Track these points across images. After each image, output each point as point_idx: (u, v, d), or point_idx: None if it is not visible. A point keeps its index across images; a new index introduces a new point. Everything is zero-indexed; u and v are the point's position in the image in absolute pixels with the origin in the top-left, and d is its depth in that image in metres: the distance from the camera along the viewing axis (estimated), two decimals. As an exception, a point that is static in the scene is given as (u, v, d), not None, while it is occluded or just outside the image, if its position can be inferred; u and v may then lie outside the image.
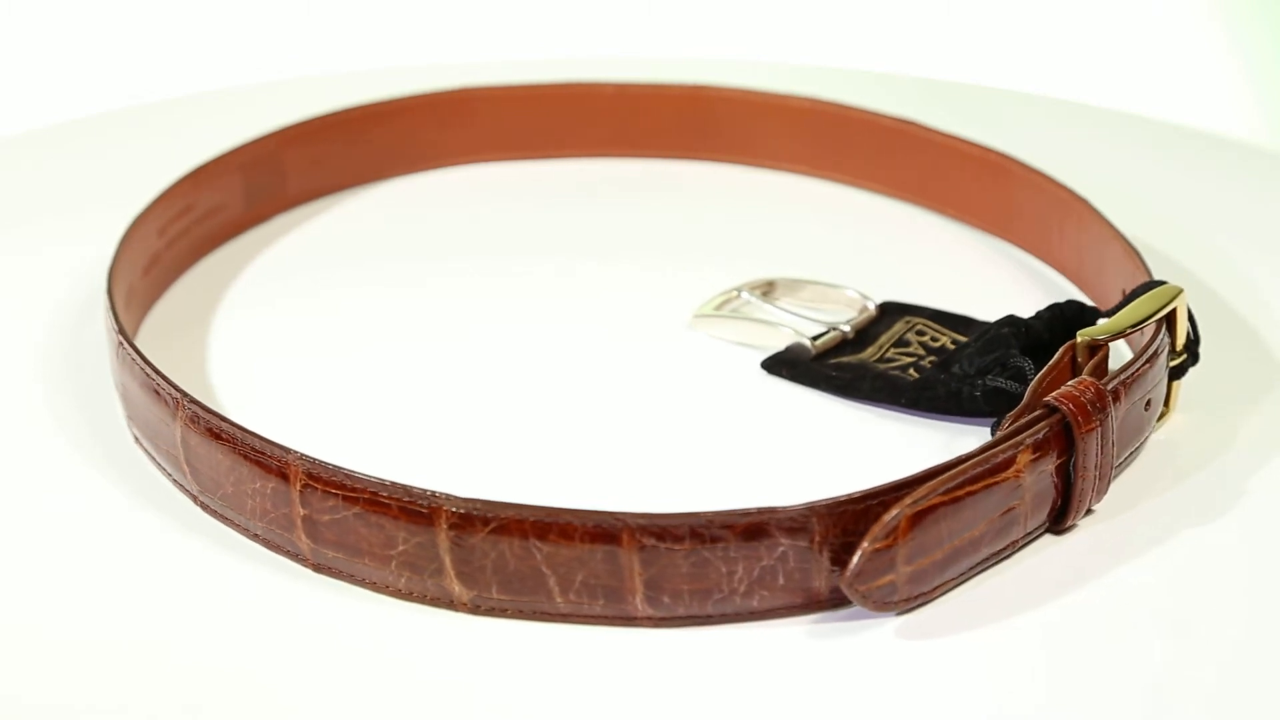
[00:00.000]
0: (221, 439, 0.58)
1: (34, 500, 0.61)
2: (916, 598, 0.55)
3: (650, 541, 0.54)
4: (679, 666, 0.54)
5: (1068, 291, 0.74)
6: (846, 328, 0.69)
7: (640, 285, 0.75)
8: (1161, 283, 0.64)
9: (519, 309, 0.73)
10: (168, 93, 0.99)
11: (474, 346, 0.70)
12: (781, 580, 0.55)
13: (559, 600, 0.55)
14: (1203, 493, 0.61)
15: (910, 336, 0.69)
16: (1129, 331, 0.62)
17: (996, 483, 0.56)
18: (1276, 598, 0.57)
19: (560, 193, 0.83)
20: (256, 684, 0.54)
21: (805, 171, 0.84)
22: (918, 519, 0.54)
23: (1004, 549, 0.57)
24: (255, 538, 0.59)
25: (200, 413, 0.59)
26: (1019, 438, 0.57)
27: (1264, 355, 0.69)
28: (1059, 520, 0.59)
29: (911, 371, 0.66)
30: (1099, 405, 0.58)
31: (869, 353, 0.68)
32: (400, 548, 0.56)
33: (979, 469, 0.56)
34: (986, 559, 0.57)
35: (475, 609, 0.56)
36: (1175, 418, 0.64)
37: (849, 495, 0.54)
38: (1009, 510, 0.57)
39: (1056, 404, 0.58)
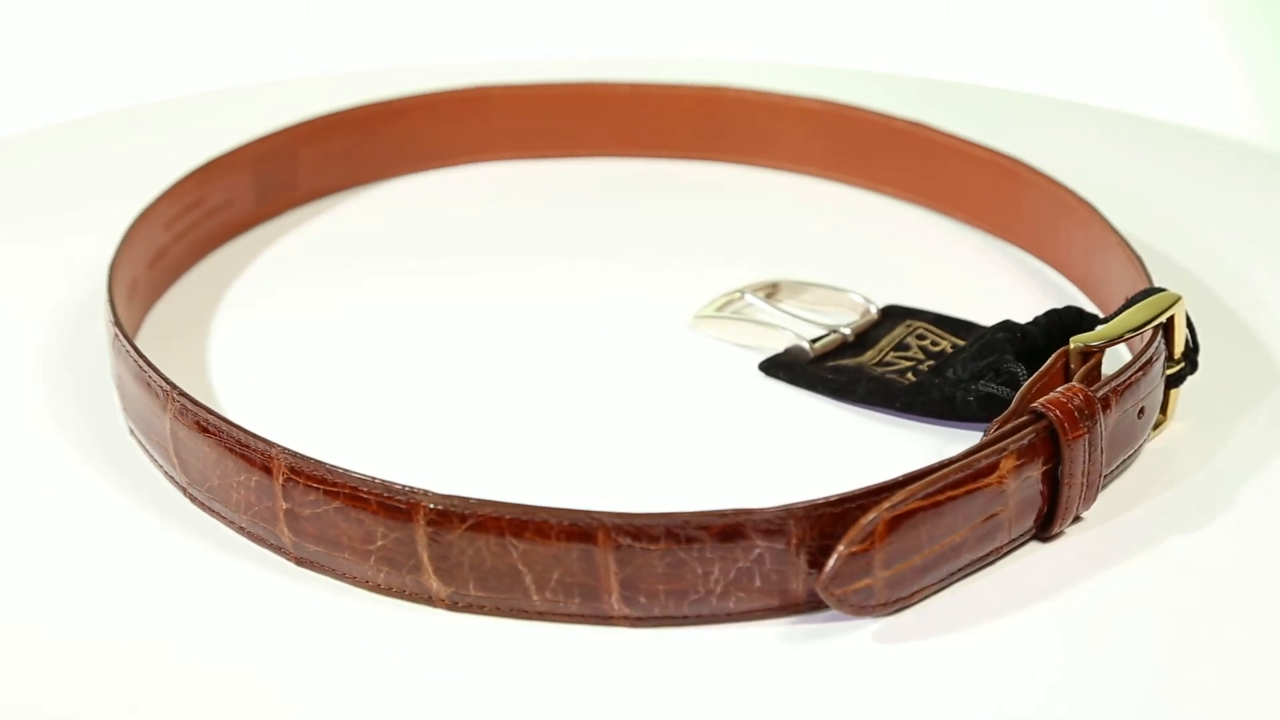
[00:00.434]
0: (208, 432, 0.59)
1: (33, 500, 0.62)
2: (895, 602, 0.55)
3: (626, 541, 0.54)
4: (655, 666, 0.54)
5: (1072, 295, 0.73)
6: (847, 330, 0.69)
7: (642, 285, 0.75)
8: (1161, 290, 0.64)
9: (520, 308, 0.73)
10: (178, 91, 0.99)
11: (474, 346, 0.70)
12: (758, 582, 0.54)
13: (535, 598, 0.55)
14: (1195, 499, 0.61)
15: (911, 340, 0.69)
16: (1124, 338, 0.61)
17: (979, 488, 0.56)
18: (1265, 603, 0.56)
19: (569, 192, 0.83)
20: (237, 677, 0.54)
21: (814, 173, 0.83)
22: (896, 523, 0.54)
23: (987, 555, 0.57)
24: (241, 530, 0.59)
25: (189, 405, 0.59)
26: (1003, 443, 0.56)
27: (1263, 358, 0.68)
28: (1045, 527, 0.58)
29: (909, 375, 0.66)
30: (1087, 412, 0.57)
31: (868, 356, 0.68)
32: (379, 543, 0.56)
33: (961, 474, 0.55)
34: (969, 565, 0.57)
35: (453, 605, 0.56)
36: (1172, 425, 0.64)
37: (826, 498, 0.54)
38: (992, 516, 0.56)
39: (1043, 410, 0.57)
